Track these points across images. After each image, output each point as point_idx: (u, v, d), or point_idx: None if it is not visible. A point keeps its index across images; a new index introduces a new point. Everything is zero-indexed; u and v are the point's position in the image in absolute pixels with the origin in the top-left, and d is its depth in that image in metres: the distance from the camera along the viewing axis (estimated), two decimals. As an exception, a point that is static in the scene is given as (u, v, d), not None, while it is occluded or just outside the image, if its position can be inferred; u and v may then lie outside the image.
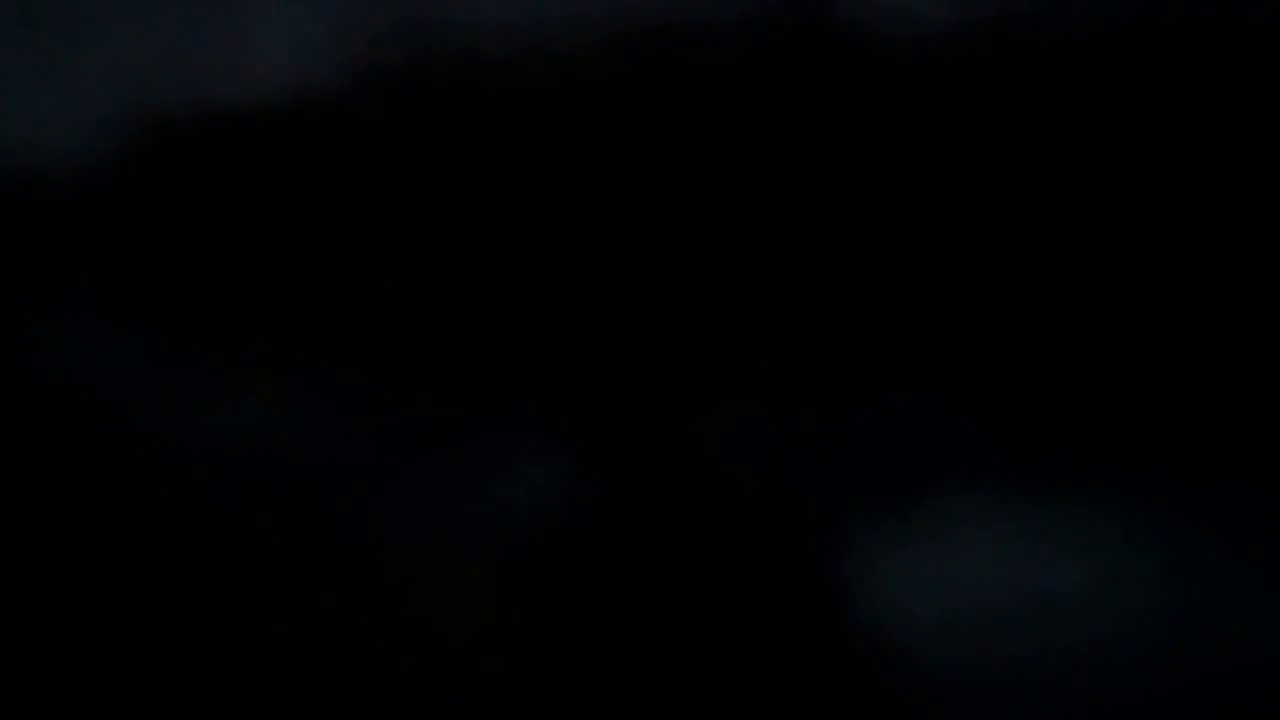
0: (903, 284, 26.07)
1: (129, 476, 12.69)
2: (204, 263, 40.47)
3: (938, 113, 26.80)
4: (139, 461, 14.44)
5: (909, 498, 13.67)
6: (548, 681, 2.53)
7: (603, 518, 2.56)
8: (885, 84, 27.87)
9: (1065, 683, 8.05)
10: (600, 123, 30.00)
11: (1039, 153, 26.22)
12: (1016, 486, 14.04)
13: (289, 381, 25.76)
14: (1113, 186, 25.31)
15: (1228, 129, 23.86)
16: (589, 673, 2.50)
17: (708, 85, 29.43)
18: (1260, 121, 23.43)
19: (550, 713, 2.54)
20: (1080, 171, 25.62)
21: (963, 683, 8.10)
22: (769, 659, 2.46)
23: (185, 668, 6.95)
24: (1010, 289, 25.44)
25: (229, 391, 24.13)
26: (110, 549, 9.13)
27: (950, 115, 26.60)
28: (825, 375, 23.73)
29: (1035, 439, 16.73)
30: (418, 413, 21.27)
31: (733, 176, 28.13)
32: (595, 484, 2.56)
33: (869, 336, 26.02)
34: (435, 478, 15.38)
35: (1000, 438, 17.06)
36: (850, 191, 27.11)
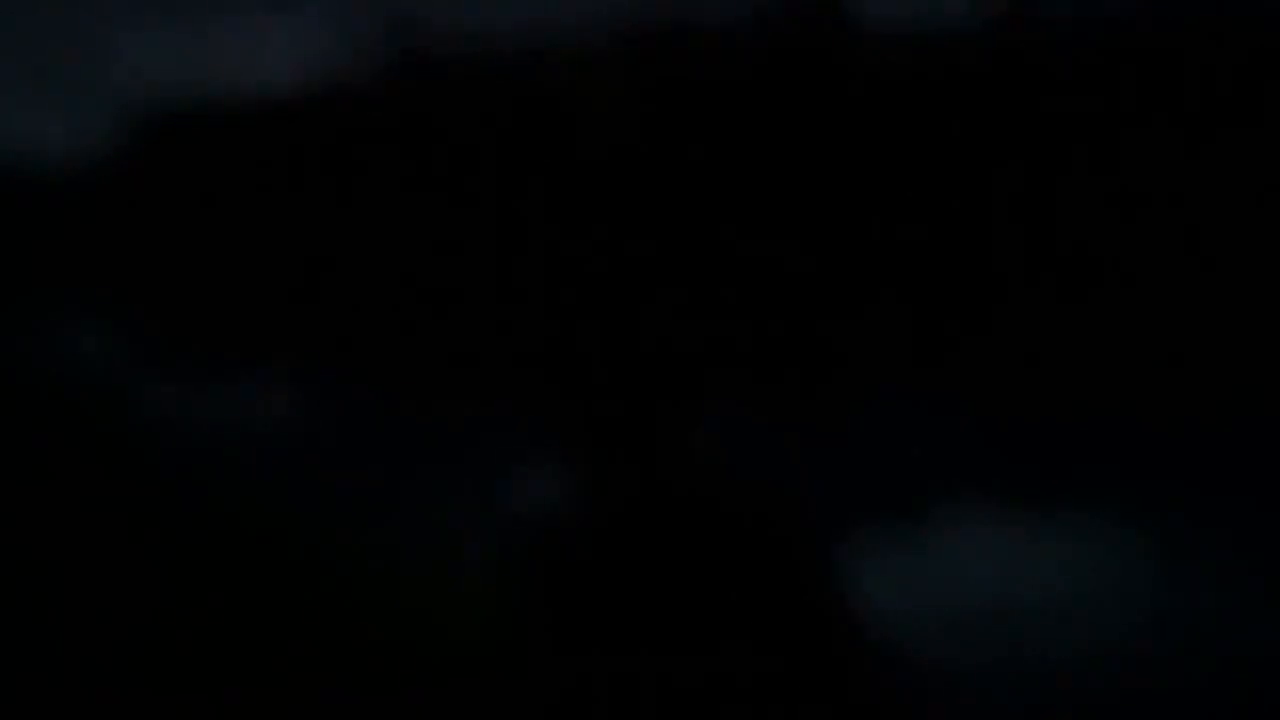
0: (902, 289, 26.06)
1: (129, 476, 12.70)
2: (205, 263, 40.37)
3: (938, 116, 26.80)
4: (140, 461, 14.44)
5: (909, 500, 13.68)
6: (546, 682, 2.54)
7: (602, 519, 2.56)
8: (886, 87, 27.86)
9: (1064, 683, 8.06)
10: (600, 127, 29.98)
11: (1038, 157, 26.22)
12: (1016, 489, 14.05)
13: (290, 383, 25.75)
14: (1112, 191, 25.30)
15: (1227, 133, 23.85)
16: (588, 673, 2.50)
17: (707, 88, 29.42)
18: (1260, 125, 23.40)
19: (549, 713, 2.54)
20: (1080, 176, 25.60)
21: (962, 683, 8.11)
22: (769, 659, 2.47)
23: (186, 665, 6.95)
24: (1009, 293, 25.43)
25: (229, 392, 24.14)
26: (111, 549, 9.13)
27: (951, 119, 26.60)
28: (827, 379, 23.75)
29: (1034, 442, 16.75)
30: (418, 415, 21.29)
31: (733, 180, 28.11)
32: (595, 486, 2.57)
33: (870, 341, 26.02)
34: (435, 480, 15.39)
35: (1000, 441, 17.08)
36: (851, 195, 27.11)
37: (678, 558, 2.51)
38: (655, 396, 2.55)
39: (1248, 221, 23.06)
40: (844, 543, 11.73)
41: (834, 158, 26.36)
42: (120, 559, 8.98)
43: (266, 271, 35.93)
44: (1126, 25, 24.79)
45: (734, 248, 26.76)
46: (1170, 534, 11.70)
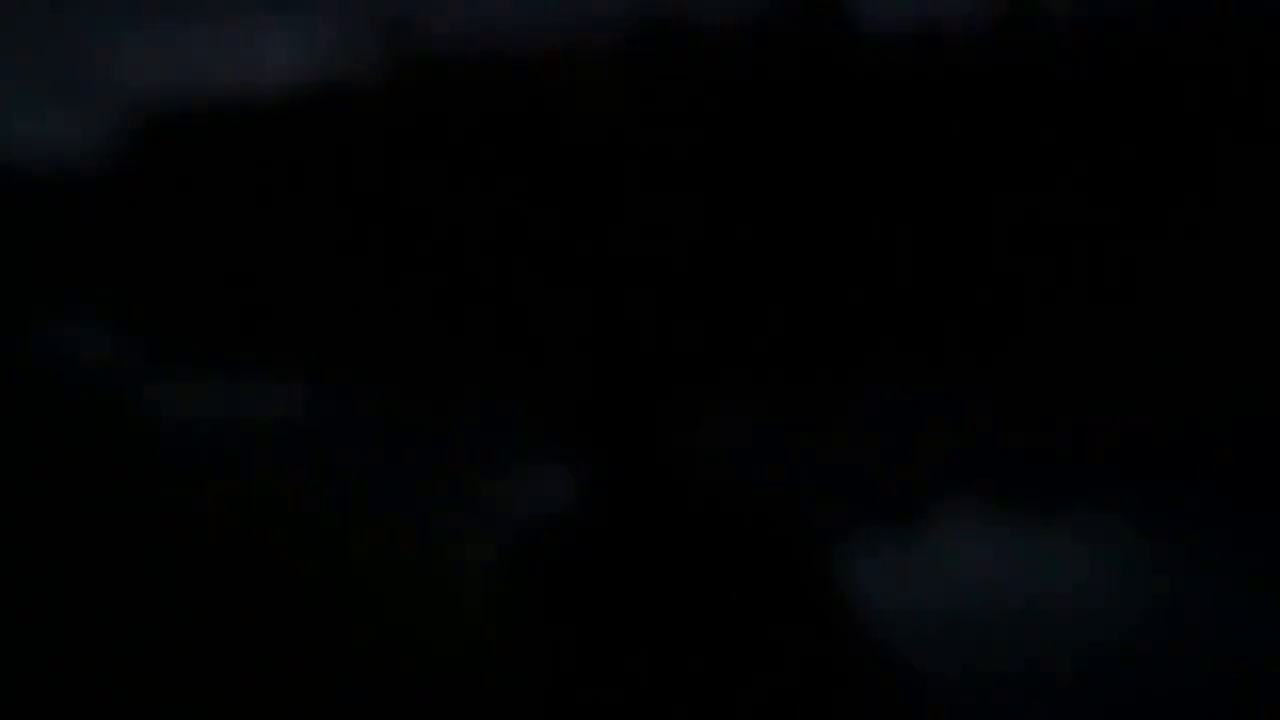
0: (902, 289, 26.03)
1: (129, 475, 12.69)
2: (205, 263, 40.29)
3: (939, 116, 26.75)
4: (140, 461, 14.43)
5: (909, 500, 13.68)
6: (546, 682, 2.53)
7: (602, 520, 2.56)
8: (886, 87, 27.82)
9: (1063, 682, 8.05)
10: (600, 127, 29.93)
11: (1039, 158, 26.19)
12: (1015, 489, 14.05)
13: (290, 383, 25.76)
14: (1113, 192, 25.26)
15: (1226, 133, 23.81)
16: (586, 674, 2.50)
17: (707, 88, 29.37)
18: (1260, 125, 23.37)
19: (549, 714, 2.54)
20: (1079, 177, 25.56)
21: (961, 683, 8.11)
22: (769, 659, 2.46)
23: (186, 665, 6.95)
24: (1008, 294, 25.40)
25: (230, 392, 24.13)
26: (111, 548, 9.12)
27: (952, 119, 26.55)
28: (826, 379, 23.74)
29: (1034, 443, 16.74)
30: (418, 416, 21.29)
31: (734, 180, 28.08)
32: (595, 486, 2.56)
33: (871, 340, 25.97)
34: (436, 480, 15.38)
35: (999, 441, 17.07)
36: (851, 195, 27.06)
37: (678, 558, 2.50)
38: (655, 397, 2.55)
39: (1248, 222, 23.02)
40: (844, 543, 11.72)
41: (835, 157, 26.32)
42: (120, 559, 8.97)
43: (266, 271, 35.91)
44: (1127, 25, 24.75)
45: (734, 247, 26.73)
46: (1170, 534, 11.69)
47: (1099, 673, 8.23)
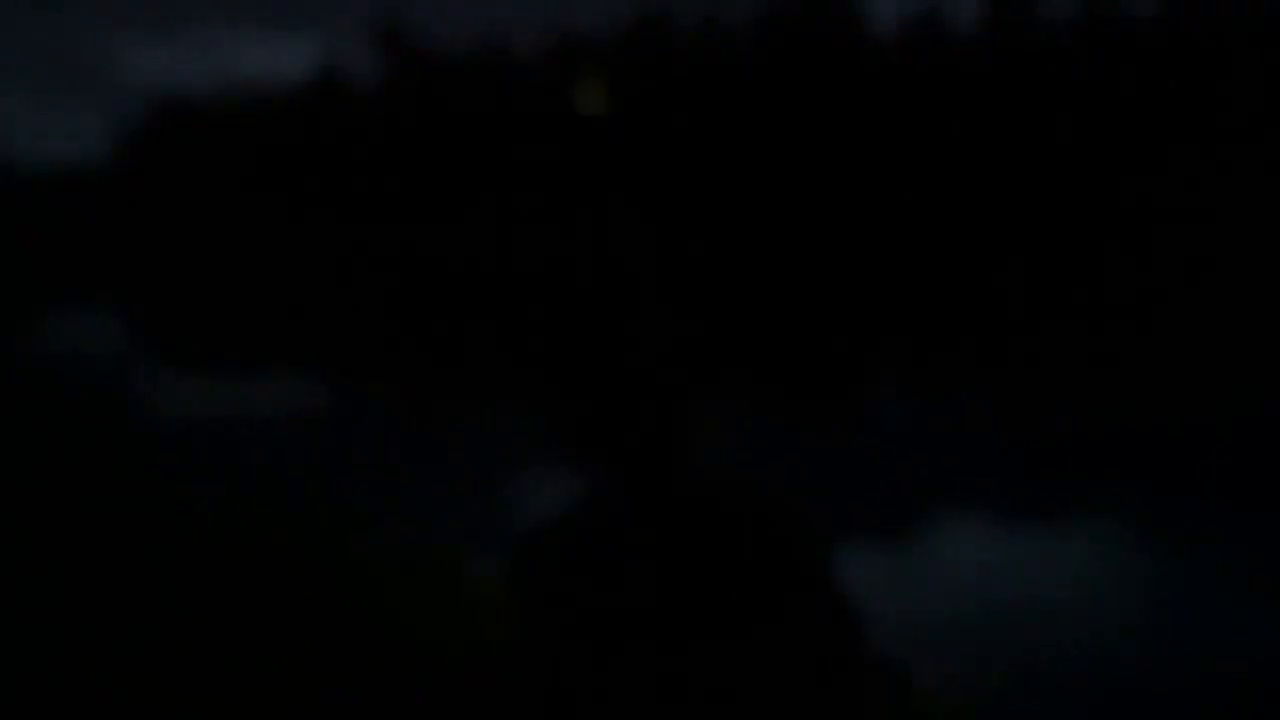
0: (903, 291, 26.03)
1: (129, 475, 12.70)
2: (205, 263, 40.42)
3: (942, 116, 26.71)
4: (140, 460, 14.44)
5: (908, 502, 13.69)
6: (548, 684, 2.54)
7: (602, 521, 2.56)
8: (890, 86, 27.78)
9: (1063, 683, 8.06)
10: (601, 126, 29.91)
11: (1039, 159, 26.17)
12: (1015, 490, 14.07)
13: (291, 383, 25.78)
14: (1113, 194, 25.25)
15: (1226, 134, 23.78)
16: (586, 674, 2.51)
17: (708, 87, 29.37)
18: (1260, 126, 23.35)
19: (551, 715, 2.54)
20: (1079, 180, 25.53)
21: (961, 683, 8.12)
22: (768, 661, 2.47)
23: (187, 665, 6.95)
24: (1008, 295, 25.40)
25: (230, 391, 24.16)
26: (111, 549, 9.13)
27: (954, 120, 26.50)
28: (827, 380, 23.76)
29: (1033, 444, 16.76)
30: (420, 417, 21.31)
31: (735, 180, 28.04)
32: (595, 487, 2.57)
33: (871, 343, 25.97)
34: (438, 481, 15.40)
35: (999, 442, 17.09)
36: (851, 196, 27.03)
37: (678, 559, 2.51)
38: (655, 397, 2.55)
39: (1248, 223, 23.03)
40: (843, 544, 11.73)
41: (838, 158, 26.33)
42: (120, 559, 8.98)
43: (267, 272, 35.93)
44: (1127, 25, 24.70)
45: (735, 247, 26.75)
46: (1170, 534, 11.70)
47: (1099, 673, 8.24)
